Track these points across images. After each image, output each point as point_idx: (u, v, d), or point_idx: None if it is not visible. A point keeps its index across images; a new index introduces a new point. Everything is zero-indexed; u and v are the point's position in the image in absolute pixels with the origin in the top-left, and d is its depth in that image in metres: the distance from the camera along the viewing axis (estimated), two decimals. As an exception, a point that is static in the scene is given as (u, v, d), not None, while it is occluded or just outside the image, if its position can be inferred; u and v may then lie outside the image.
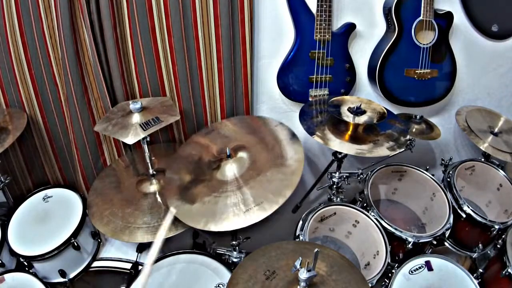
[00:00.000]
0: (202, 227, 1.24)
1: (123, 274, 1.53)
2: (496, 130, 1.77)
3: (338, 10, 1.60)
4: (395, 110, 1.81)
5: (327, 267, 1.06)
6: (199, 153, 1.52)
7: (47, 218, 1.53)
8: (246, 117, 1.74)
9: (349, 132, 1.45)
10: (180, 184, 1.41)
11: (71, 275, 1.50)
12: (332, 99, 1.55)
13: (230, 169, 1.38)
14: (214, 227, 1.22)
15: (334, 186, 1.71)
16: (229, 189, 1.32)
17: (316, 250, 0.93)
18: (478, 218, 1.60)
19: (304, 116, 1.53)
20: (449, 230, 1.58)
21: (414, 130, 1.77)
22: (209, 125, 1.75)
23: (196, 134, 1.66)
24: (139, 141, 1.36)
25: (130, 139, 1.33)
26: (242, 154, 1.44)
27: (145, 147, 1.45)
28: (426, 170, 1.77)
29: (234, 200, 1.27)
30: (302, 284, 0.96)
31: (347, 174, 1.71)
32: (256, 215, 1.21)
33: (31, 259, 1.40)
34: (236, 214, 1.23)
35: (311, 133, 1.43)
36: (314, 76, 1.66)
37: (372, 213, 1.56)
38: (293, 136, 1.46)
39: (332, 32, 1.59)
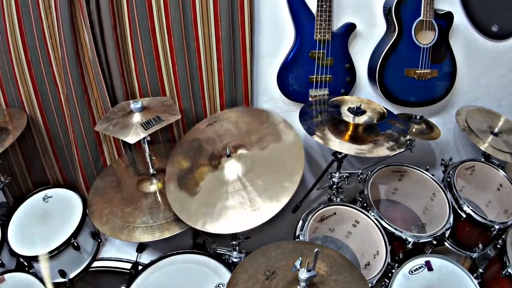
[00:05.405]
0: (200, 227, 1.25)
1: (123, 274, 1.53)
2: (496, 130, 1.77)
3: (338, 10, 1.60)
4: (395, 110, 1.81)
5: (327, 267, 1.06)
6: (200, 141, 1.53)
7: (47, 218, 1.53)
8: (249, 108, 1.73)
9: (349, 132, 1.45)
10: (180, 173, 1.42)
11: (71, 275, 1.50)
12: (332, 99, 1.55)
13: (229, 170, 1.38)
14: (211, 229, 1.23)
15: (334, 186, 1.71)
16: (228, 191, 1.32)
17: (316, 250, 0.93)
18: (478, 218, 1.60)
19: (304, 116, 1.53)
20: (449, 230, 1.58)
21: (414, 130, 1.77)
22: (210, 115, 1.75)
23: (198, 124, 1.66)
24: (139, 141, 1.36)
25: (131, 139, 1.33)
26: (241, 152, 1.44)
27: (146, 146, 1.45)
28: (426, 170, 1.77)
29: (232, 203, 1.28)
30: (302, 284, 0.96)
31: (347, 174, 1.71)
32: (253, 221, 1.22)
33: (31, 259, 1.40)
34: (233, 218, 1.24)
35: (311, 133, 1.43)
36: (314, 76, 1.66)
37: (372, 213, 1.56)
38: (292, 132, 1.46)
39: (332, 32, 1.59)
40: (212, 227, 1.24)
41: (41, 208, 1.58)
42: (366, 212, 1.57)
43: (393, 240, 1.51)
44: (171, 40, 1.53)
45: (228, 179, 1.35)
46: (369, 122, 1.43)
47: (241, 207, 1.25)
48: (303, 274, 0.95)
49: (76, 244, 1.44)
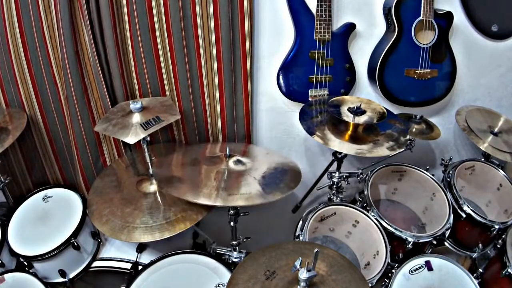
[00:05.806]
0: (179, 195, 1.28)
1: (123, 274, 1.53)
2: (496, 130, 1.77)
3: (338, 10, 1.60)
4: (395, 110, 1.81)
5: (327, 267, 1.06)
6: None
7: (47, 218, 1.53)
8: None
9: (349, 132, 1.45)
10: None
11: (71, 275, 1.50)
12: (332, 99, 1.55)
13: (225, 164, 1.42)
14: (191, 198, 1.26)
15: (334, 186, 1.71)
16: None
17: (316, 250, 0.93)
18: (478, 218, 1.60)
19: (304, 116, 1.53)
20: (449, 230, 1.58)
21: (414, 130, 1.77)
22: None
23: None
24: (139, 141, 1.36)
25: (131, 139, 1.33)
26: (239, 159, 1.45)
27: (145, 147, 1.45)
28: (426, 170, 1.77)
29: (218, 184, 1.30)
30: (302, 284, 0.96)
31: (347, 174, 1.71)
32: (237, 202, 1.24)
33: (31, 259, 1.40)
34: (219, 195, 1.26)
35: (311, 133, 1.43)
36: (314, 76, 1.66)
37: (372, 213, 1.56)
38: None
39: (332, 32, 1.59)
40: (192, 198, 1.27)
41: (41, 208, 1.58)
42: (366, 212, 1.57)
43: (393, 240, 1.51)
44: (171, 41, 1.53)
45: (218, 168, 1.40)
46: (369, 122, 1.43)
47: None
48: (303, 274, 0.95)
49: (76, 244, 1.44)
